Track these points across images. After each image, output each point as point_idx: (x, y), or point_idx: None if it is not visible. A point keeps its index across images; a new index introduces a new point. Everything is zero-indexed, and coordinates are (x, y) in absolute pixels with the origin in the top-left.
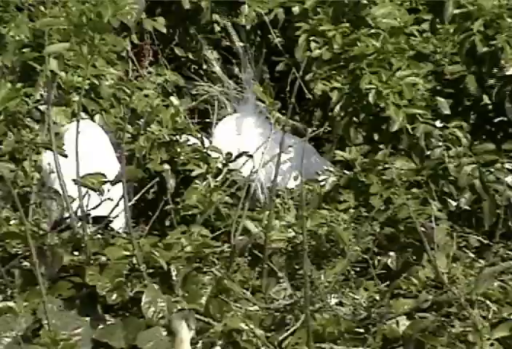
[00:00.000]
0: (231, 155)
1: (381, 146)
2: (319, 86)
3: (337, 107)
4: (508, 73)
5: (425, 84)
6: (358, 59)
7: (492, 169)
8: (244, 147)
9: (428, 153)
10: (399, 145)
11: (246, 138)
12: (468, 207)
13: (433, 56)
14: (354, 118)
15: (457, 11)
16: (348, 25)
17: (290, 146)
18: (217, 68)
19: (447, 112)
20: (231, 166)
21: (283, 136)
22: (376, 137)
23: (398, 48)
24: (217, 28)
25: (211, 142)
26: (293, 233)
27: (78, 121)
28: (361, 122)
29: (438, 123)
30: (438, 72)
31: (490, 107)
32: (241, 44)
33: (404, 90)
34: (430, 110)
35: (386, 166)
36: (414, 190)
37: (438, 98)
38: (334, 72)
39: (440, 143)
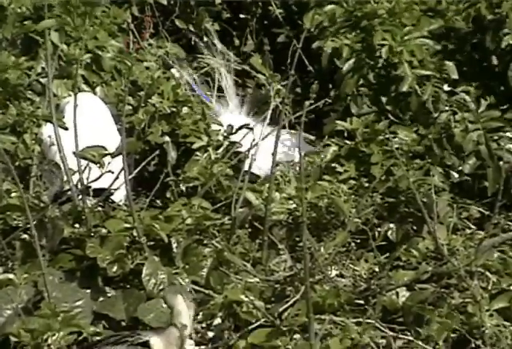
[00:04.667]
0: (232, 127)
1: (388, 107)
2: (329, 44)
3: (347, 65)
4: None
5: (434, 46)
6: (371, 18)
7: (496, 137)
8: None
9: (435, 116)
10: (405, 110)
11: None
12: (470, 174)
13: (445, 13)
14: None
15: None
16: None
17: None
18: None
19: (455, 76)
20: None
21: (282, 109)
22: (384, 99)
23: (409, 7)
24: (218, 0)
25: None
26: (293, 205)
27: (75, 94)
28: (369, 83)
29: (445, 87)
30: (450, 28)
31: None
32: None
33: (415, 51)
34: (438, 73)
35: (388, 136)
36: (417, 160)
37: (447, 62)
38: (345, 30)
39: (447, 108)
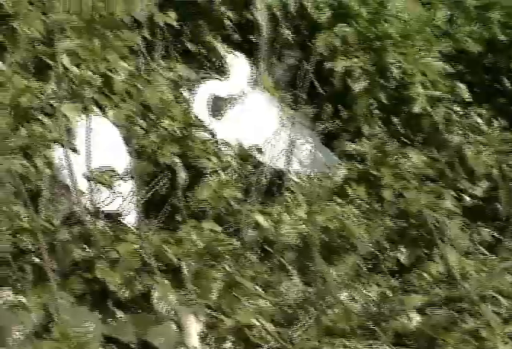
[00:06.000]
0: (243, 146)
1: (400, 130)
2: (341, 64)
3: (358, 86)
4: None
5: (447, 67)
6: (383, 38)
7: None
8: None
9: (447, 137)
10: (417, 131)
11: (254, 127)
12: (483, 197)
13: (457, 34)
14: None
15: (474, 1)
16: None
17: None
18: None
19: (467, 98)
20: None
21: (293, 130)
22: (395, 120)
23: (422, 28)
24: (228, 23)
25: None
26: (304, 228)
27: (88, 117)
28: (381, 104)
29: (457, 109)
30: (461, 51)
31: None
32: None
33: (427, 72)
34: (450, 94)
35: (399, 158)
36: (428, 183)
37: (459, 83)
38: (357, 51)
39: (459, 130)
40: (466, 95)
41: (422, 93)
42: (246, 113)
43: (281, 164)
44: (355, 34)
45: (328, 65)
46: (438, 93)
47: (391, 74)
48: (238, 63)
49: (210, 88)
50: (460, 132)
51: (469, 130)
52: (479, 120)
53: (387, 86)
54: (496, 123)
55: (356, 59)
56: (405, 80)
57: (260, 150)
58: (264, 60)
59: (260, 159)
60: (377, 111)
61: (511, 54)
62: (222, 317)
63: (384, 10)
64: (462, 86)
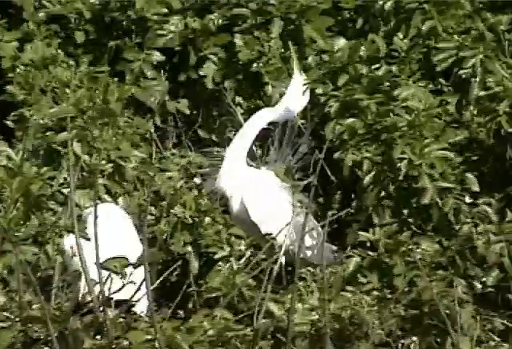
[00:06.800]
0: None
1: (410, 220)
2: (349, 157)
3: (367, 178)
4: None
5: (456, 158)
6: (391, 131)
7: None
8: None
9: (457, 228)
10: (427, 221)
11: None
12: (493, 286)
13: (470, 124)
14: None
15: (482, 93)
16: (382, 95)
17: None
18: None
19: (476, 188)
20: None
21: (306, 218)
22: (405, 211)
23: (429, 119)
24: (241, 110)
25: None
26: (316, 316)
27: (95, 205)
28: (391, 195)
29: (467, 199)
30: (474, 140)
31: None
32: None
33: (436, 163)
34: (459, 185)
35: (410, 247)
36: (440, 271)
37: (468, 174)
38: (365, 143)
39: (468, 219)
40: (475, 186)
41: (430, 185)
42: (259, 195)
43: (292, 252)
44: (362, 126)
45: (336, 155)
46: (446, 184)
47: (399, 166)
48: (296, 86)
49: (264, 116)
50: (470, 222)
51: (478, 219)
52: (489, 209)
53: (395, 178)
54: (508, 215)
55: (364, 152)
56: (413, 172)
57: (272, 237)
58: (276, 147)
59: (272, 246)
60: (386, 202)
61: None
62: None
63: (391, 102)
64: (471, 176)
